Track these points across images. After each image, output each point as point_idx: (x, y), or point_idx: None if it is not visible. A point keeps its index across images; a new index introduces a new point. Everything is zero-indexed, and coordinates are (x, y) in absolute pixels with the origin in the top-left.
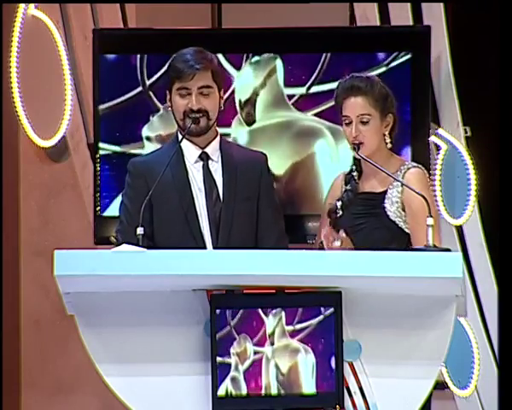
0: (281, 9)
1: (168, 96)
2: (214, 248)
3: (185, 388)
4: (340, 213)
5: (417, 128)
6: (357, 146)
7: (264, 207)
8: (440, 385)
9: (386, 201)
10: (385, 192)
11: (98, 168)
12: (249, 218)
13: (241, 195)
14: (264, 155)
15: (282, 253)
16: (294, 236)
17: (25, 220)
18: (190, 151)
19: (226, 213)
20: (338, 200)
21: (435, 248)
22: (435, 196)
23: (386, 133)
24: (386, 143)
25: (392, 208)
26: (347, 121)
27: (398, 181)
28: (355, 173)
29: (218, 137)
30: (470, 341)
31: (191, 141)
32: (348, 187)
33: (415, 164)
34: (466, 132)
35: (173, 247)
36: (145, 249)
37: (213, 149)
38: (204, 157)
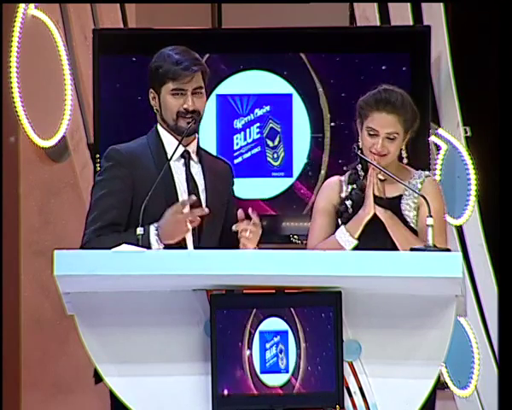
0: (281, 9)
1: (153, 95)
2: (195, 247)
3: (185, 388)
4: (351, 210)
5: (417, 128)
6: (357, 146)
7: (231, 216)
8: (440, 385)
9: (403, 206)
10: (400, 197)
11: (98, 168)
12: (221, 224)
13: (219, 200)
14: (228, 163)
15: (282, 253)
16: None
17: (25, 220)
18: (172, 148)
19: (208, 218)
20: (346, 199)
21: (435, 249)
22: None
23: (403, 147)
24: (403, 158)
25: (410, 214)
26: (373, 133)
27: (413, 190)
28: (361, 173)
29: (197, 139)
30: (470, 341)
31: (175, 138)
32: (354, 186)
33: (428, 173)
34: (466, 132)
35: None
36: (145, 249)
37: (193, 150)
38: (186, 156)
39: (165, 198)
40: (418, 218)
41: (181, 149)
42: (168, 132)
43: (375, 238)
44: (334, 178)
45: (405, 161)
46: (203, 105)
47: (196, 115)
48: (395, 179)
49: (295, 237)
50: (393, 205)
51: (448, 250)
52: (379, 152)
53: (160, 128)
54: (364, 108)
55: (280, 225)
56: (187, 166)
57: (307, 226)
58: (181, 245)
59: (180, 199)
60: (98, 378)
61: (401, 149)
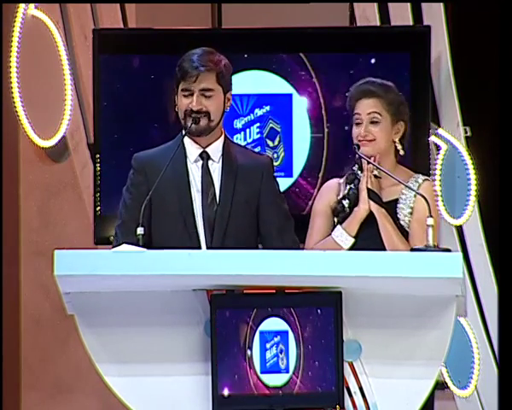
0: (281, 9)
1: (176, 95)
2: (208, 248)
3: (185, 388)
4: (348, 210)
5: (417, 128)
6: (356, 146)
7: (266, 214)
8: (440, 385)
9: (398, 211)
10: (396, 201)
11: (98, 168)
12: (247, 221)
13: (239, 197)
14: (270, 158)
15: (282, 253)
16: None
17: (25, 220)
18: (192, 150)
19: (222, 214)
20: (343, 198)
21: (435, 249)
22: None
23: (397, 140)
24: (398, 151)
25: (405, 219)
26: (358, 121)
27: (413, 190)
28: (358, 172)
29: (222, 138)
30: (470, 341)
31: (193, 140)
32: (353, 186)
33: (426, 177)
34: (466, 132)
35: (169, 245)
36: (145, 249)
37: (215, 150)
38: (204, 156)
39: (178, 199)
40: (411, 221)
41: (199, 151)
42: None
43: (371, 237)
44: (334, 181)
45: (402, 152)
46: (214, 105)
47: (205, 115)
48: (391, 176)
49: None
50: (389, 209)
51: (448, 250)
52: (364, 137)
53: (183, 131)
54: (349, 102)
55: None
56: (203, 166)
57: (307, 227)
58: (192, 242)
59: (194, 201)
60: None
61: (395, 142)
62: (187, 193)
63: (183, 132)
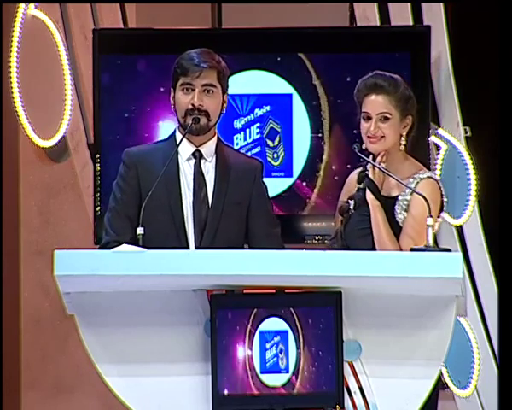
0: (281, 9)
1: (172, 94)
2: (197, 248)
3: (185, 388)
4: (353, 211)
5: (417, 128)
6: (357, 146)
7: (256, 218)
8: (440, 385)
9: (396, 207)
10: (396, 198)
11: (98, 168)
12: (237, 222)
13: (231, 198)
14: (261, 162)
15: (282, 253)
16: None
17: (25, 220)
18: (184, 148)
19: (213, 215)
20: (350, 198)
21: (435, 249)
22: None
23: (404, 134)
24: (400, 144)
25: (401, 216)
26: (366, 117)
27: (409, 188)
28: (369, 173)
29: (215, 139)
30: (470, 341)
31: (187, 138)
32: (361, 186)
33: (429, 174)
34: (466, 132)
35: (157, 242)
36: (145, 249)
37: (208, 150)
38: (197, 155)
39: (167, 196)
40: (406, 219)
41: (192, 149)
42: (181, 133)
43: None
44: (355, 172)
45: (402, 147)
46: (214, 104)
47: (204, 114)
48: (392, 177)
49: (295, 237)
50: (388, 204)
51: (448, 250)
52: (373, 134)
53: (176, 128)
54: (357, 95)
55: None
56: (196, 165)
57: (307, 226)
58: (179, 237)
59: (183, 198)
60: None
61: (401, 136)
62: (177, 189)
63: (180, 131)
